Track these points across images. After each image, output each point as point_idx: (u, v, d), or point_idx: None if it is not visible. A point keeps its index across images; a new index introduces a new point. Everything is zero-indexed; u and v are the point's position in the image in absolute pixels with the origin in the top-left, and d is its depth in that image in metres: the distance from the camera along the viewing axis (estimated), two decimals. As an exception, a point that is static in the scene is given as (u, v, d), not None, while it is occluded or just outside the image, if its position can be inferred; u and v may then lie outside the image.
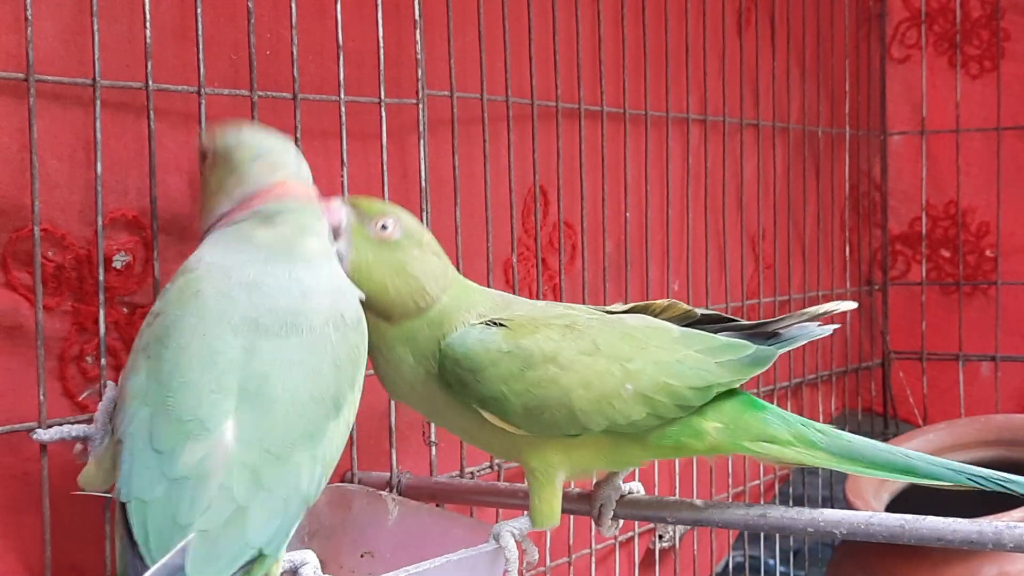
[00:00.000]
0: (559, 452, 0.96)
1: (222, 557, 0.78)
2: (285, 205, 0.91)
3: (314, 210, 0.94)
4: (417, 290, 0.96)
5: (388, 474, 1.21)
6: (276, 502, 0.81)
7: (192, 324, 0.84)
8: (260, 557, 0.81)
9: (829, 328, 1.02)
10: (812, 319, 1.00)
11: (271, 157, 0.94)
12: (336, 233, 0.96)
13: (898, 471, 0.97)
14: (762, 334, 1.00)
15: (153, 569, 0.76)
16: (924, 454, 0.99)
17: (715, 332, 1.00)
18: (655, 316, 1.01)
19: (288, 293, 0.87)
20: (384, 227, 0.96)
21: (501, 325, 0.95)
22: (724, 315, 1.02)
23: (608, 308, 1.02)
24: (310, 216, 0.93)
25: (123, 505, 0.80)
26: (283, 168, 0.94)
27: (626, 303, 1.04)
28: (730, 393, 0.99)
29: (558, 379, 0.93)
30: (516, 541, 0.97)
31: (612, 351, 0.95)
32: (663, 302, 1.01)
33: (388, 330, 0.97)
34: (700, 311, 1.01)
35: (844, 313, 2.08)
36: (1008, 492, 0.96)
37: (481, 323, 0.95)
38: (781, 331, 1.00)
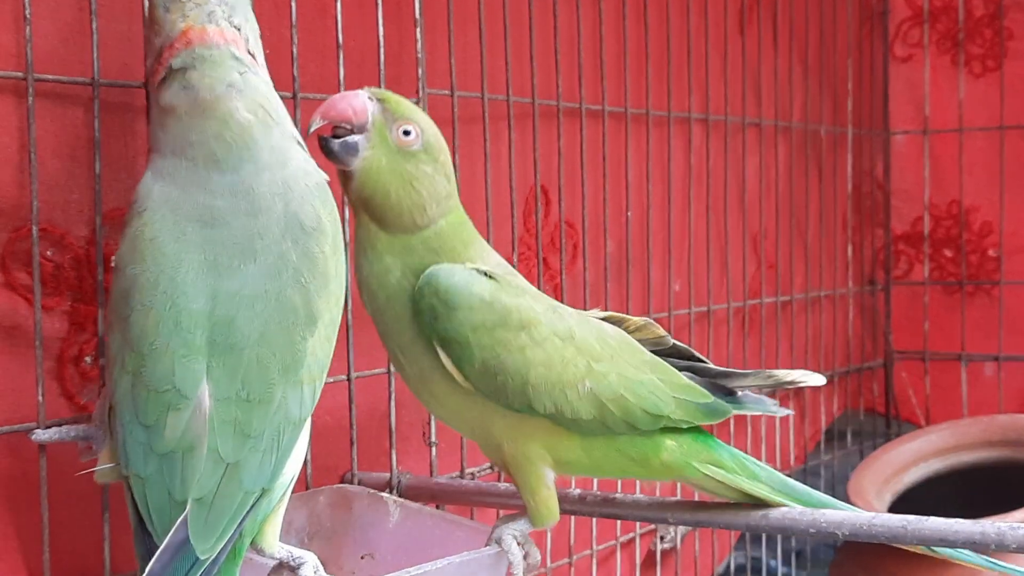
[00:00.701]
0: (511, 430, 0.95)
1: (224, 515, 0.79)
2: (193, 56, 0.84)
3: (222, 57, 0.85)
4: (418, 206, 0.94)
5: (388, 474, 1.20)
6: (267, 442, 0.81)
7: (152, 280, 0.81)
8: (263, 492, 0.81)
9: (785, 411, 1.03)
10: (779, 384, 0.99)
11: (182, 2, 0.86)
12: (361, 128, 0.94)
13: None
14: (722, 387, 1.00)
15: (158, 553, 0.77)
16: (854, 510, 1.00)
17: (680, 368, 1.00)
18: (628, 333, 1.00)
19: (237, 212, 0.83)
20: (406, 132, 0.95)
21: (491, 278, 0.94)
22: (693, 352, 1.02)
23: (587, 312, 1.02)
24: (221, 68, 0.85)
25: (127, 477, 0.81)
26: (193, 11, 0.85)
27: (605, 310, 1.03)
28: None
29: (524, 348, 0.92)
30: (518, 543, 0.97)
31: (585, 345, 0.95)
32: (639, 320, 1.01)
33: (381, 238, 0.95)
34: (673, 341, 1.01)
35: (845, 314, 2.09)
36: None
37: (474, 267, 0.94)
38: (740, 391, 1.00)
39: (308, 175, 0.87)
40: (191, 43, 0.85)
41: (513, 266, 1.40)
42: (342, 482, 1.19)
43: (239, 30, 0.87)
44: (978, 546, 0.94)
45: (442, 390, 0.96)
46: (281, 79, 1.15)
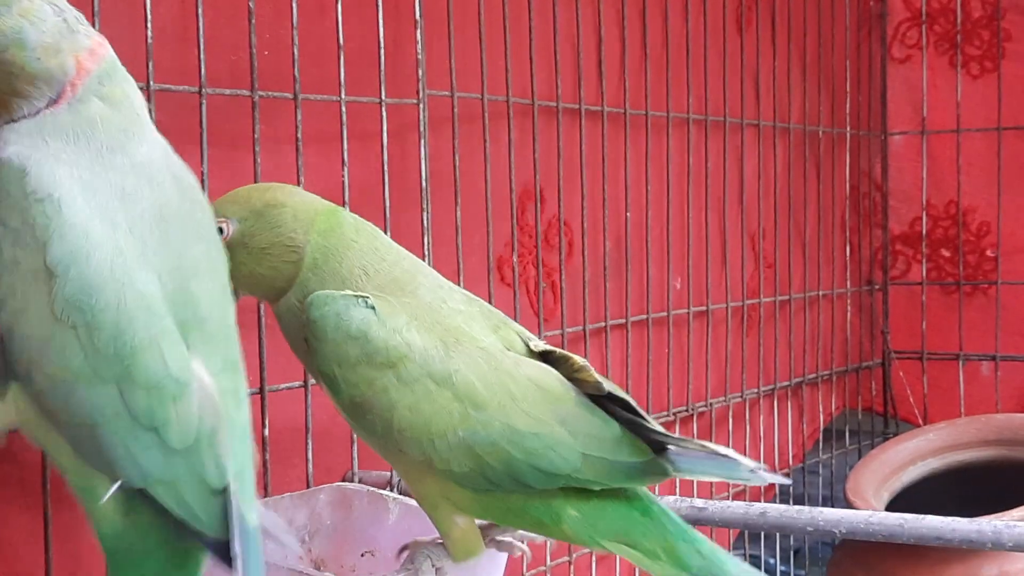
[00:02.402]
0: (407, 471, 0.89)
1: (251, 482, 0.77)
2: (101, 75, 0.80)
3: (115, 63, 0.82)
4: (262, 285, 0.90)
5: (388, 473, 1.21)
6: (248, 407, 0.80)
7: (107, 276, 0.74)
8: None
9: (744, 479, 0.85)
10: (715, 455, 0.85)
11: (56, 47, 0.79)
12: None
13: None
14: (660, 443, 0.86)
15: (237, 539, 0.73)
16: None
17: (623, 419, 0.87)
18: (571, 372, 0.89)
19: (141, 186, 0.79)
20: (221, 231, 0.88)
21: (371, 307, 0.87)
22: (631, 403, 0.87)
23: (533, 343, 0.91)
24: (120, 71, 0.82)
25: (137, 491, 0.75)
26: (72, 43, 0.79)
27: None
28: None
29: (388, 389, 0.85)
30: (433, 565, 0.92)
31: (466, 390, 0.85)
32: (579, 361, 0.89)
33: (275, 307, 0.92)
34: (608, 390, 0.87)
35: (844, 314, 2.09)
36: None
37: (354, 294, 0.87)
38: (679, 449, 0.85)
39: (158, 147, 0.83)
40: (90, 71, 0.80)
41: (513, 265, 1.40)
42: (343, 481, 1.19)
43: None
44: (975, 544, 0.94)
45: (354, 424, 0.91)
46: (281, 79, 1.15)
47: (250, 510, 0.76)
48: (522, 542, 0.96)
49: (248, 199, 0.91)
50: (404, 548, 0.94)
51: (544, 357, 0.90)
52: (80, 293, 0.73)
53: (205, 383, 0.76)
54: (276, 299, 0.90)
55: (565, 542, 0.91)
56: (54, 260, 0.73)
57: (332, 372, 0.86)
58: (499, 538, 0.96)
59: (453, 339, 0.87)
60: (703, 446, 0.85)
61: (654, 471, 0.85)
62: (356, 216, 0.93)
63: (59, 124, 0.78)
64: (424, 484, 0.88)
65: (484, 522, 0.93)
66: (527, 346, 0.90)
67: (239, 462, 0.76)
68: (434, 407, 0.85)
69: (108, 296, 0.73)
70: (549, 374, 0.88)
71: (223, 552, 0.74)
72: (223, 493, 0.75)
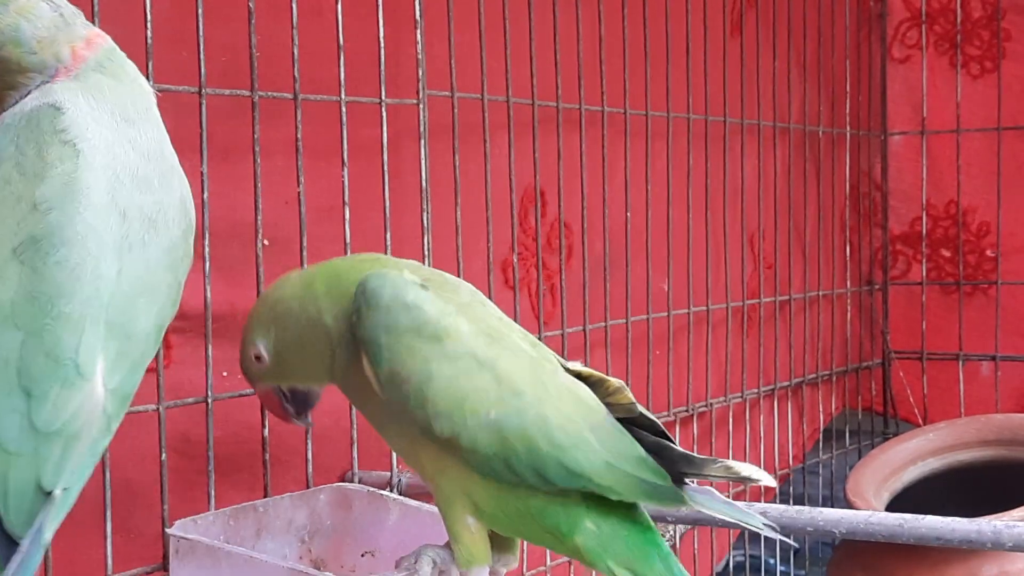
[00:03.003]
0: (431, 463, 0.89)
1: (64, 509, 0.74)
2: (101, 54, 0.81)
3: (113, 47, 0.82)
4: (321, 368, 0.92)
5: (388, 473, 1.21)
6: (110, 439, 0.77)
7: (81, 235, 0.72)
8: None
9: (738, 524, 0.91)
10: (735, 477, 0.86)
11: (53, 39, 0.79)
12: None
13: None
14: (680, 472, 0.88)
15: (25, 548, 0.71)
16: None
17: (647, 443, 0.89)
18: (605, 396, 0.90)
19: (151, 177, 0.78)
20: (258, 358, 0.93)
21: (425, 287, 0.89)
22: (660, 426, 0.90)
23: (568, 363, 0.93)
24: (119, 54, 0.82)
25: None
26: (68, 33, 0.79)
27: (576, 365, 0.94)
28: (629, 511, 0.90)
29: (430, 360, 0.86)
30: (436, 567, 0.91)
31: (507, 375, 0.87)
32: (615, 383, 0.91)
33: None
34: (640, 411, 0.90)
35: (844, 314, 2.09)
36: None
37: (411, 277, 0.90)
38: (697, 477, 0.89)
39: (163, 129, 0.82)
40: (86, 58, 0.80)
41: (514, 265, 1.40)
42: (343, 481, 1.19)
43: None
44: (974, 544, 0.94)
45: (375, 411, 0.92)
46: (281, 80, 1.15)
47: (50, 528, 0.73)
48: None
49: (259, 315, 0.93)
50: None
51: (579, 377, 0.92)
52: (48, 237, 0.72)
53: (97, 392, 0.74)
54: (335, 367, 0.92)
55: (573, 559, 0.91)
56: (43, 197, 0.72)
57: (378, 339, 0.87)
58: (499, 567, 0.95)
59: (497, 335, 0.89)
60: (727, 468, 0.86)
61: (671, 496, 0.87)
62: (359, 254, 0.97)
63: (71, 88, 0.78)
64: (444, 475, 0.89)
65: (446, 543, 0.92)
66: (563, 366, 0.92)
67: (74, 481, 0.74)
68: (472, 384, 0.86)
69: (70, 258, 0.72)
70: (583, 389, 0.90)
71: (3, 550, 0.72)
72: (44, 497, 0.73)
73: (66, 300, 0.71)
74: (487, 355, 0.88)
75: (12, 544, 0.72)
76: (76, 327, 0.72)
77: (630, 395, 0.90)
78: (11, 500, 0.71)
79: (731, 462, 0.87)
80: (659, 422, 0.90)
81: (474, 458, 0.87)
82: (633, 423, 0.90)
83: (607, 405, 0.90)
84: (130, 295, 0.75)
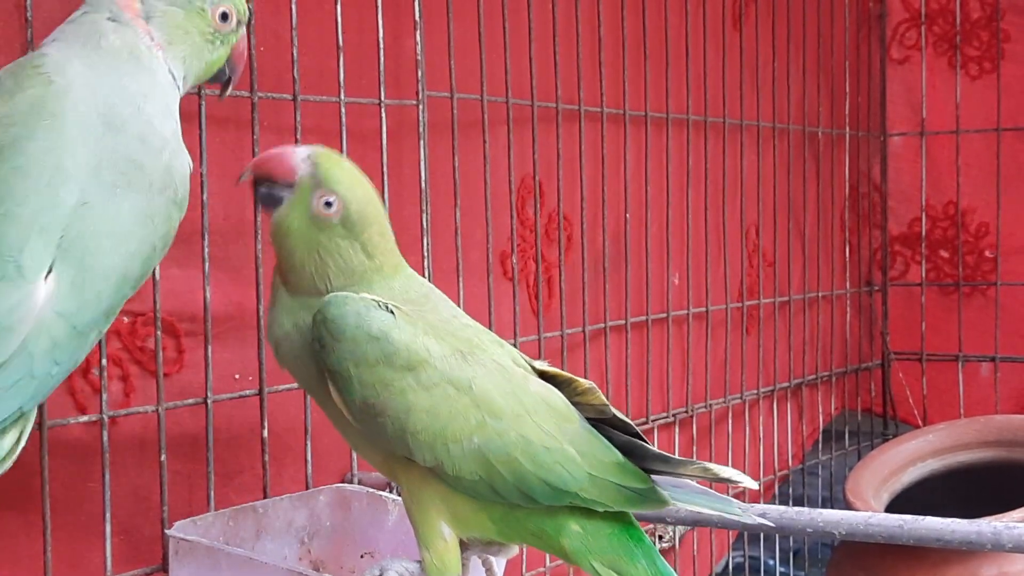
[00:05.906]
0: (407, 475, 0.88)
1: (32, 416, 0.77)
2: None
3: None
4: (321, 275, 0.88)
5: (388, 474, 1.21)
6: (58, 374, 0.78)
7: (40, 152, 0.76)
8: (20, 416, 0.79)
9: (723, 516, 0.89)
10: (715, 479, 0.86)
11: None
12: (289, 185, 0.88)
13: None
14: (657, 470, 0.88)
15: None
16: None
17: (620, 443, 0.88)
18: (574, 396, 0.89)
19: (129, 127, 0.80)
20: (328, 204, 0.87)
21: (391, 312, 0.86)
22: (633, 426, 0.89)
23: (535, 363, 0.91)
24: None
25: None
26: None
27: (542, 364, 0.91)
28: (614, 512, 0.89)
29: (406, 392, 0.85)
30: None
31: (484, 398, 0.85)
32: (585, 383, 0.90)
33: (284, 296, 0.90)
34: (613, 412, 0.89)
35: (843, 315, 2.09)
36: None
37: (373, 298, 0.87)
38: (674, 480, 0.88)
39: (176, 130, 0.85)
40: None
41: (512, 262, 1.40)
42: (342, 482, 1.19)
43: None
44: (974, 545, 0.94)
45: (346, 428, 0.89)
46: (281, 79, 1.15)
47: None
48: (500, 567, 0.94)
49: (352, 183, 0.89)
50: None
51: (546, 377, 0.90)
52: (12, 141, 0.75)
53: (36, 297, 0.75)
54: (316, 294, 0.88)
55: (558, 557, 0.90)
56: (9, 113, 0.77)
57: (348, 371, 0.85)
58: (483, 555, 0.94)
59: (468, 349, 0.87)
60: (705, 469, 0.85)
61: (653, 498, 0.87)
62: None
63: (67, 32, 0.82)
64: (423, 491, 0.88)
65: (474, 537, 0.91)
66: (530, 365, 0.91)
67: (7, 379, 0.75)
68: (452, 412, 0.85)
69: (29, 164, 0.76)
70: (554, 393, 0.89)
71: None
72: None
73: (16, 203, 0.74)
74: (462, 377, 0.86)
75: None
76: (23, 230, 0.74)
77: (602, 396, 0.89)
78: None
79: (710, 464, 0.86)
80: (631, 422, 0.89)
81: (459, 484, 0.86)
82: (605, 423, 0.89)
83: (576, 405, 0.89)
84: (93, 231, 0.77)
